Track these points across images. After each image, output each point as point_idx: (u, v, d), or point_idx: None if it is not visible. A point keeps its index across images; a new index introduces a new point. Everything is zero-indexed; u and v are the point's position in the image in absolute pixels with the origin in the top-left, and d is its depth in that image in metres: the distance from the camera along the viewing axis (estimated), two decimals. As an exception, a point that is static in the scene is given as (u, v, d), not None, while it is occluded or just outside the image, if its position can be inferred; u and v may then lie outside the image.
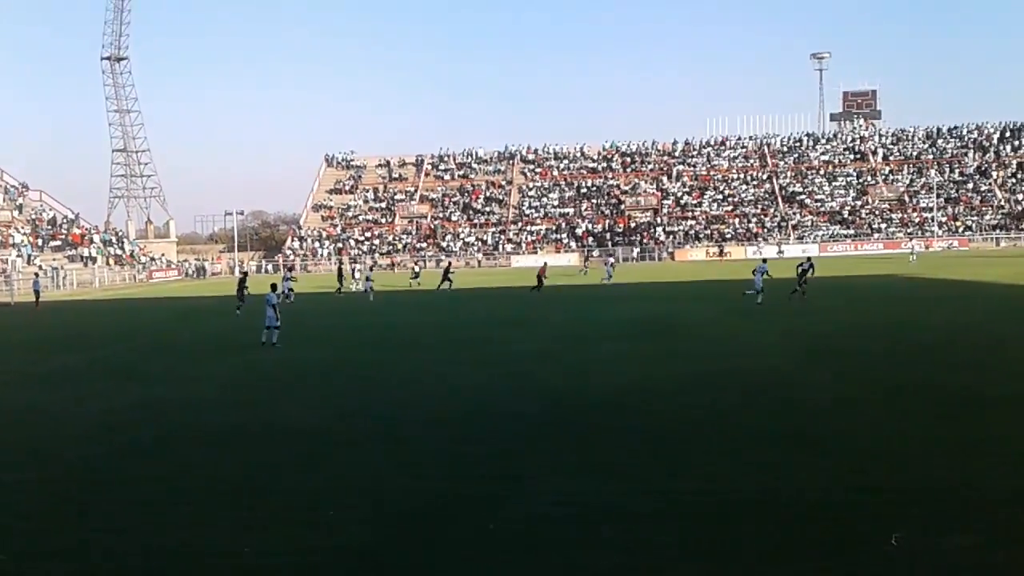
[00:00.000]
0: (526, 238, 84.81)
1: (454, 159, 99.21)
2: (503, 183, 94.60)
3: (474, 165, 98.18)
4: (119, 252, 75.15)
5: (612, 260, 53.23)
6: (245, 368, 17.29)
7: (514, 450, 9.70)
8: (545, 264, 45.40)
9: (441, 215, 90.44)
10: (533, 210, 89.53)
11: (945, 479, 7.93)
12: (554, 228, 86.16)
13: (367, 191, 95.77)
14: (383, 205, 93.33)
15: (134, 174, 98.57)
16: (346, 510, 7.73)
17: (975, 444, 9.11)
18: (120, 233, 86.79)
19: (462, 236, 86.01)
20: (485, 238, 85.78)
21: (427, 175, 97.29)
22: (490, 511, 7.48)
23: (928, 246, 73.99)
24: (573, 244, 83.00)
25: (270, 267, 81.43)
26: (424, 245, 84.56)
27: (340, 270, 43.93)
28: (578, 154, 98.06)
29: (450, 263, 49.57)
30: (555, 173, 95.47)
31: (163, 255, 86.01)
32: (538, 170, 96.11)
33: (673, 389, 13.04)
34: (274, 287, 21.10)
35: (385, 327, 24.78)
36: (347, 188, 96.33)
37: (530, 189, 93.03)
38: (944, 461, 8.56)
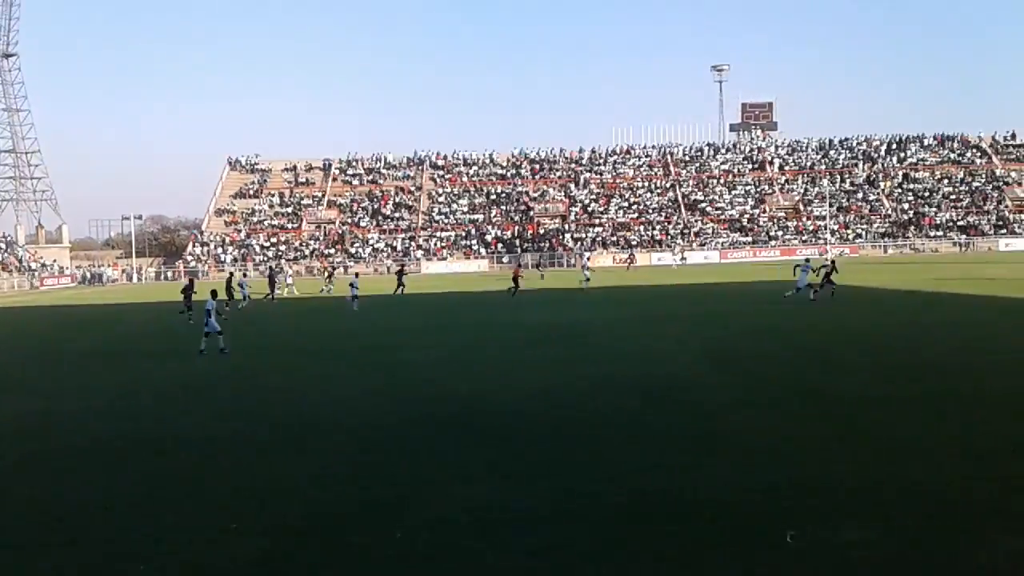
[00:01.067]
0: (435, 244, 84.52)
1: (363, 164, 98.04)
2: (412, 189, 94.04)
3: (383, 170, 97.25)
4: (7, 258, 71.17)
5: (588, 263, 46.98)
6: (140, 378, 16.65)
7: (420, 456, 9.64)
8: (519, 265, 44.56)
9: (350, 221, 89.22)
10: (443, 216, 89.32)
11: (835, 477, 8.29)
12: (464, 234, 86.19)
13: (272, 196, 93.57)
14: (289, 210, 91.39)
15: (23, 176, 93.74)
16: (246, 521, 7.53)
17: (861, 443, 9.57)
18: (8, 238, 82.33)
19: (371, 242, 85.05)
20: (395, 244, 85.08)
21: (335, 180, 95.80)
22: (396, 518, 7.42)
23: (821, 253, 77.32)
24: (483, 250, 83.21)
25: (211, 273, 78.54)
26: (332, 251, 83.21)
27: (271, 278, 42.95)
28: (487, 160, 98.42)
29: (403, 266, 48.98)
30: (464, 179, 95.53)
31: (55, 261, 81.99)
32: (448, 176, 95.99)
33: (579, 393, 13.21)
34: (214, 293, 20.31)
35: (294, 333, 24.28)
36: (252, 192, 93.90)
37: (440, 195, 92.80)
38: (833, 459, 8.95)
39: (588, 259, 48.71)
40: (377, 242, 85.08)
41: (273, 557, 6.71)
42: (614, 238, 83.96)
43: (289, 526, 7.40)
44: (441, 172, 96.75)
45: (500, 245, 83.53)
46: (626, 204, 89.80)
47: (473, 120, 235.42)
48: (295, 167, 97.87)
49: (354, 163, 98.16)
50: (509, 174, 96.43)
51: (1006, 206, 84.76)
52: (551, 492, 8.06)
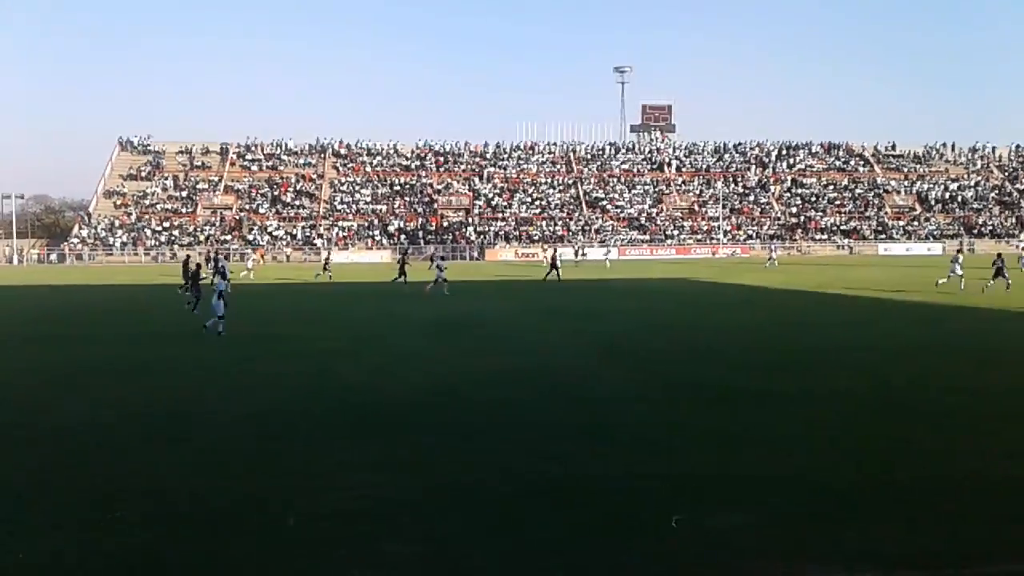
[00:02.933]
0: (337, 234, 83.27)
1: (262, 149, 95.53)
2: (314, 176, 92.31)
3: (283, 156, 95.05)
4: None
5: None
6: (26, 365, 15.94)
7: (315, 446, 9.66)
8: (556, 251, 43.59)
9: (248, 207, 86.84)
10: (345, 206, 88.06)
11: (716, 465, 8.77)
12: (366, 224, 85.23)
13: (166, 178, 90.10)
14: (184, 194, 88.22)
15: None
16: (135, 510, 7.41)
17: (740, 433, 10.14)
18: None
19: (270, 229, 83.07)
20: (295, 232, 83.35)
21: (232, 165, 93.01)
22: (288, 507, 7.45)
23: (714, 253, 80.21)
24: (385, 241, 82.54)
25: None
26: (229, 238, 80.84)
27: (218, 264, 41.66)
28: (391, 151, 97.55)
29: (405, 253, 48.13)
30: (368, 169, 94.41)
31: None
32: (351, 165, 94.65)
33: (475, 384, 13.44)
34: (223, 274, 19.97)
35: (185, 322, 23.60)
36: (143, 174, 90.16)
37: (342, 184, 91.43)
38: (714, 449, 9.46)
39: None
40: (276, 229, 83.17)
41: (158, 547, 6.65)
42: (516, 232, 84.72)
43: (176, 516, 7.33)
44: (344, 161, 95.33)
45: (403, 236, 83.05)
46: (529, 199, 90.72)
47: (378, 110, 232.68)
48: (190, 150, 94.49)
49: (253, 148, 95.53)
50: (413, 165, 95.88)
51: (886, 212, 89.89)
52: (445, 481, 8.24)
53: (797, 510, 7.36)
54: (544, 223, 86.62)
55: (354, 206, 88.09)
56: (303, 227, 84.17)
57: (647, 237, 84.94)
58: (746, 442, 9.66)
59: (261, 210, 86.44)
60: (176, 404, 12.14)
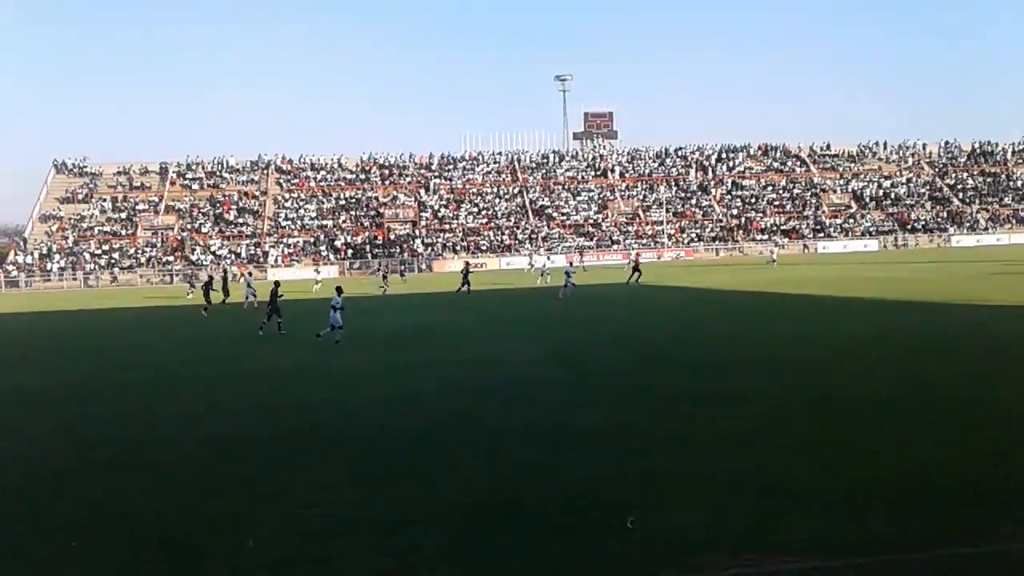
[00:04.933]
0: (283, 251, 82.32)
1: (203, 167, 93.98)
2: (257, 193, 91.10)
3: (224, 174, 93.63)
4: None
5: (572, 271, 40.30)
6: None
7: (273, 465, 9.65)
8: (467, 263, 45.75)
9: (189, 227, 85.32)
10: (290, 222, 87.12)
11: (667, 466, 9.03)
12: (312, 240, 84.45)
13: (103, 200, 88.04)
14: (123, 216, 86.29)
15: None
16: (92, 539, 7.36)
17: (691, 434, 10.44)
18: None
19: (213, 248, 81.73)
20: (239, 250, 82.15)
21: (173, 184, 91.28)
22: (247, 528, 7.48)
23: (660, 256, 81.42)
24: (332, 256, 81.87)
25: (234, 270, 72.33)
26: (171, 258, 79.33)
27: (225, 279, 41.30)
28: (335, 165, 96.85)
29: (468, 264, 46.52)
30: (312, 184, 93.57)
31: None
32: (295, 181, 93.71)
33: (433, 396, 13.53)
34: (339, 290, 21.63)
35: (138, 346, 23.18)
36: (80, 197, 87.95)
37: (286, 200, 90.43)
38: (665, 450, 9.74)
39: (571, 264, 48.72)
40: (220, 248, 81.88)
41: (123, 574, 6.64)
42: (464, 243, 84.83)
43: (138, 540, 7.30)
44: (287, 176, 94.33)
45: (350, 251, 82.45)
46: (476, 210, 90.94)
47: (321, 124, 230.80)
48: (128, 170, 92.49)
49: (193, 167, 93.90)
50: (358, 179, 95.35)
51: (823, 211, 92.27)
52: (405, 495, 8.31)
53: (747, 505, 7.64)
54: (491, 232, 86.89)
55: (299, 222, 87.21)
56: (247, 245, 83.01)
57: (593, 243, 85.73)
58: (697, 443, 9.95)
59: (204, 229, 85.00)
60: (132, 432, 11.99)
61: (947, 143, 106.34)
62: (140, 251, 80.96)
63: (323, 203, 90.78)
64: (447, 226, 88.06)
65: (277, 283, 25.63)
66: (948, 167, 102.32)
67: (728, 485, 8.26)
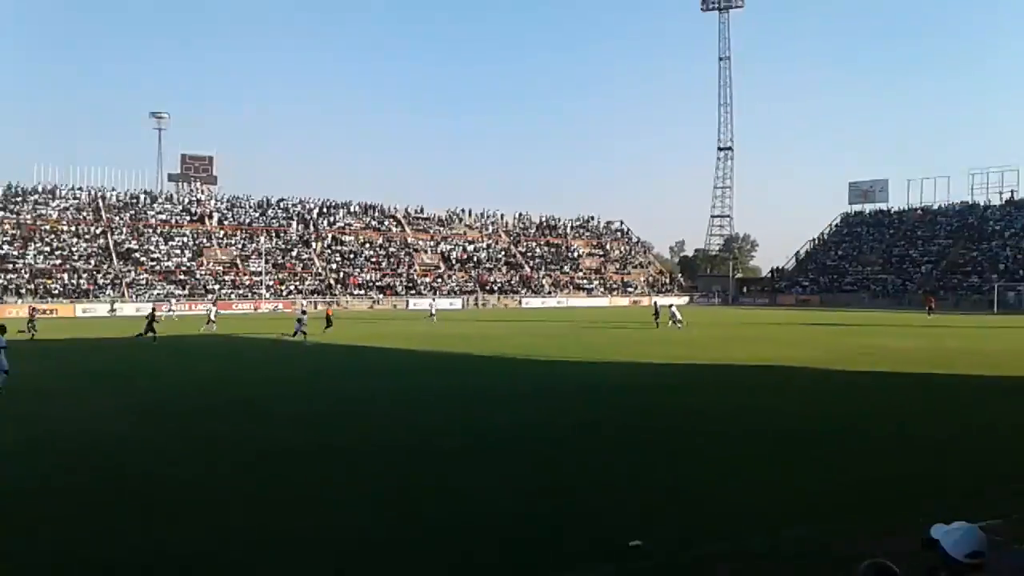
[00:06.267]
0: None
1: None
2: None
3: None
4: None
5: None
6: None
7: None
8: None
9: None
10: None
11: (259, 524, 9.57)
12: None
13: None
14: None
15: None
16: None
17: (278, 495, 11.06)
18: None
19: None
20: None
21: None
22: None
23: (257, 308, 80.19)
24: None
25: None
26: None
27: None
28: None
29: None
30: None
31: None
32: None
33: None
34: (3, 328, 17.56)
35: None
36: None
37: None
38: (249, 508, 10.25)
39: (674, 307, 48.39)
40: None
41: None
42: (31, 286, 75.05)
43: None
44: None
45: None
46: (48, 249, 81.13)
47: None
48: None
49: None
50: None
51: (415, 270, 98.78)
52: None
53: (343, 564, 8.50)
54: (66, 275, 78.09)
55: None
56: None
57: (186, 291, 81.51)
58: (281, 501, 10.58)
59: None
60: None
61: (520, 215, 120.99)
62: None
63: None
64: (11, 265, 77.21)
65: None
66: (520, 236, 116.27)
67: (316, 544, 9.05)
